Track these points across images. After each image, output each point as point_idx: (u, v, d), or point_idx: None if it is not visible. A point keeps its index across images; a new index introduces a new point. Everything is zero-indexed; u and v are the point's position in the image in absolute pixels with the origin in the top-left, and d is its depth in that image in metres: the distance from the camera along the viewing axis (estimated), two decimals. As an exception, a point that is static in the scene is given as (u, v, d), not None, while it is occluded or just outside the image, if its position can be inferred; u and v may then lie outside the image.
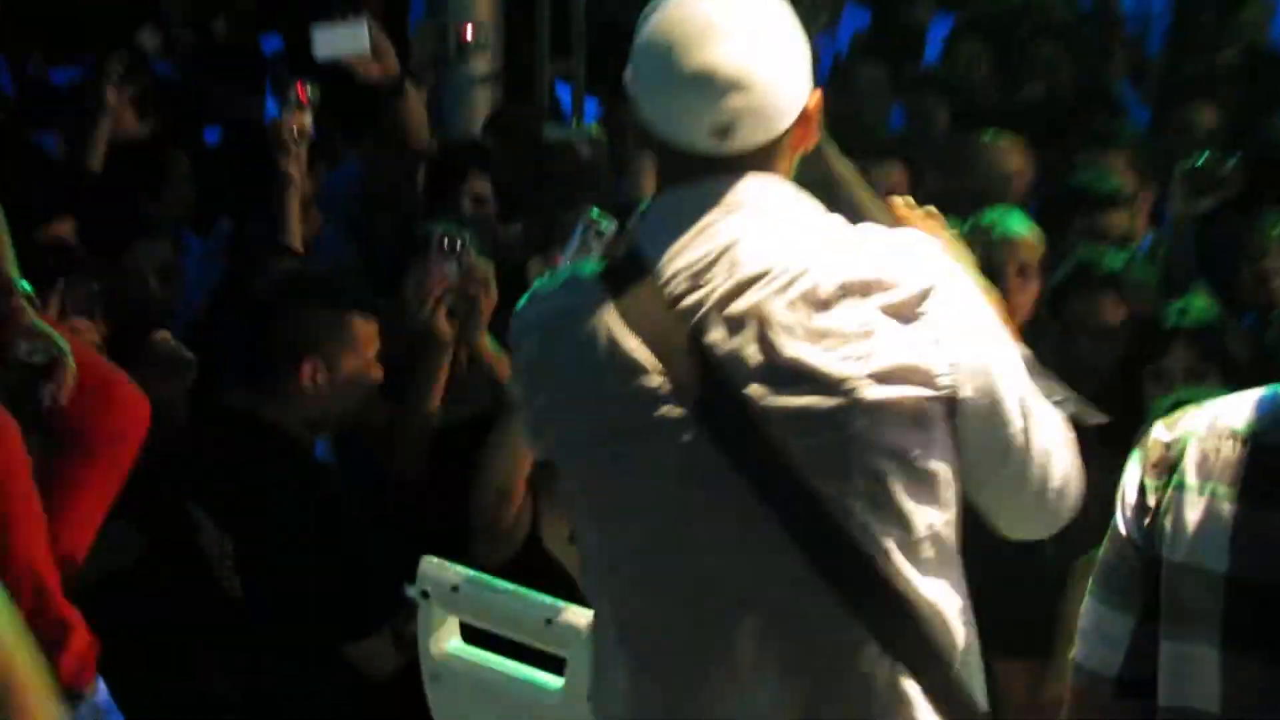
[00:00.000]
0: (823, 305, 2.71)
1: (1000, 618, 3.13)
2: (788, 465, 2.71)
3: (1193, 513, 2.46)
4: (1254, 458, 2.45)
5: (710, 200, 2.77)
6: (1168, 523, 2.48)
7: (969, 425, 2.77)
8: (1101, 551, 2.57)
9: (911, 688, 2.78)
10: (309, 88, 5.20)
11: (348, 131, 6.39)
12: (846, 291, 2.71)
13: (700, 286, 2.73)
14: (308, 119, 5.22)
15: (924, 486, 2.76)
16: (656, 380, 2.73)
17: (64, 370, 3.97)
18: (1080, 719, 2.58)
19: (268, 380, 4.37)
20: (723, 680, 2.77)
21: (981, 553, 2.93)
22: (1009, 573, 3.82)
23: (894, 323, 2.72)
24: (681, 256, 2.75)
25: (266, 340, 4.41)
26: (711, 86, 2.73)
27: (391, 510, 4.60)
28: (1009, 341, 2.82)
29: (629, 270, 2.79)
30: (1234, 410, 2.50)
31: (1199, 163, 5.61)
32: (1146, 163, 6.32)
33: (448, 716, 3.61)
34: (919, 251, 2.79)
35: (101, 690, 3.95)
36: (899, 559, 2.75)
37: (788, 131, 2.80)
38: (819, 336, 2.71)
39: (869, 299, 2.72)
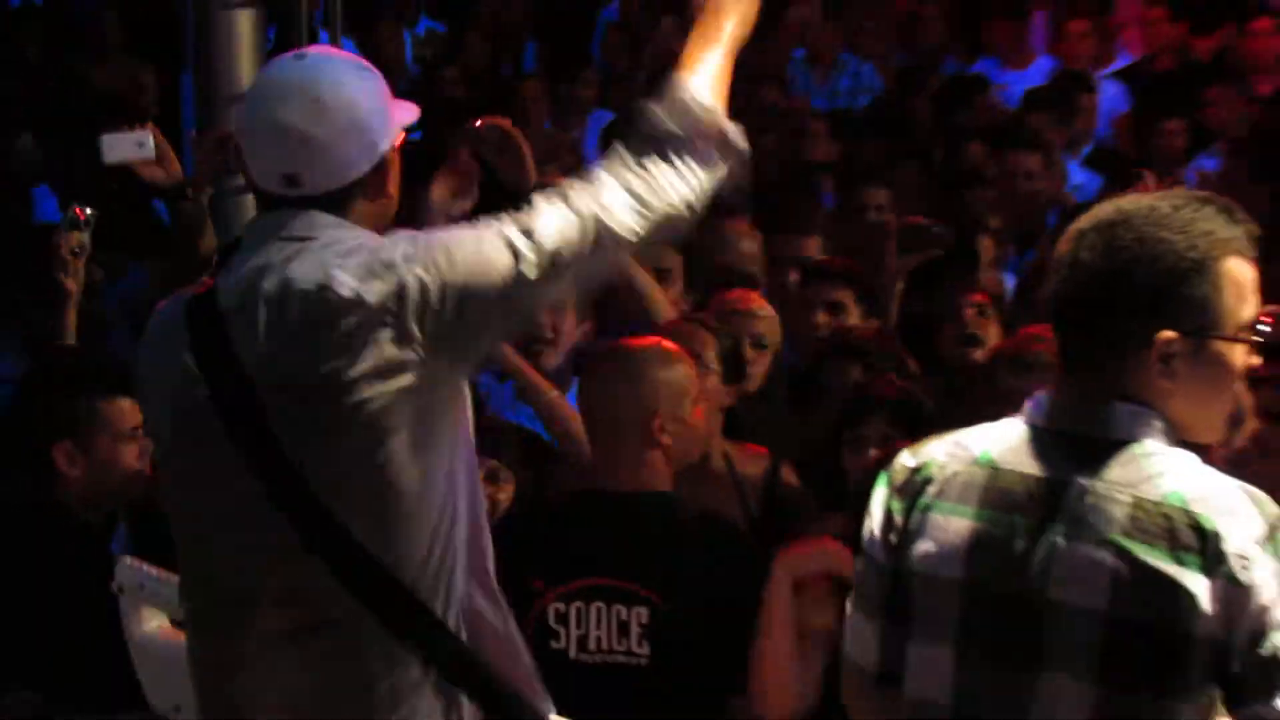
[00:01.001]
0: (330, 306, 3.12)
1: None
2: (276, 440, 3.12)
3: (936, 530, 2.79)
4: (989, 481, 2.78)
5: (273, 230, 3.22)
6: (914, 540, 2.81)
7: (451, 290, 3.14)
8: (855, 568, 2.95)
9: (414, 663, 3.16)
10: (87, 211, 5.42)
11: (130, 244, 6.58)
12: (354, 293, 3.12)
13: (245, 296, 3.18)
14: (85, 237, 5.42)
15: (402, 447, 3.12)
16: (191, 371, 3.21)
17: None
18: (851, 704, 3.00)
19: (32, 465, 4.43)
20: (243, 669, 3.20)
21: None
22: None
23: (389, 322, 3.12)
24: (235, 273, 3.22)
25: (23, 427, 4.51)
26: (277, 141, 3.21)
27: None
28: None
29: (209, 289, 3.26)
30: (972, 439, 2.84)
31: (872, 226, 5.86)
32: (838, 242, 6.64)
33: (154, 690, 3.91)
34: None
35: None
36: (370, 524, 3.12)
37: (360, 182, 3.23)
38: (315, 325, 3.12)
39: (370, 288, 3.11)
